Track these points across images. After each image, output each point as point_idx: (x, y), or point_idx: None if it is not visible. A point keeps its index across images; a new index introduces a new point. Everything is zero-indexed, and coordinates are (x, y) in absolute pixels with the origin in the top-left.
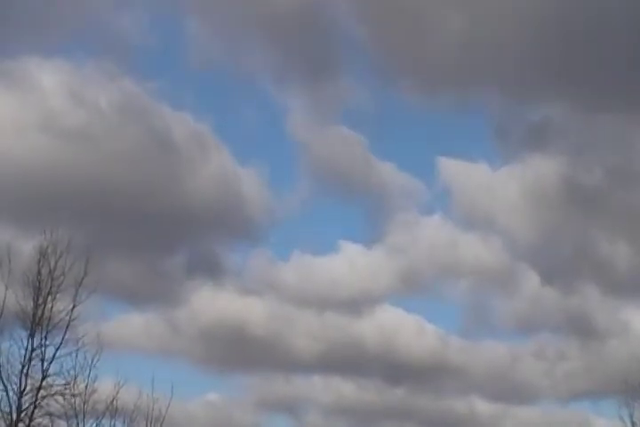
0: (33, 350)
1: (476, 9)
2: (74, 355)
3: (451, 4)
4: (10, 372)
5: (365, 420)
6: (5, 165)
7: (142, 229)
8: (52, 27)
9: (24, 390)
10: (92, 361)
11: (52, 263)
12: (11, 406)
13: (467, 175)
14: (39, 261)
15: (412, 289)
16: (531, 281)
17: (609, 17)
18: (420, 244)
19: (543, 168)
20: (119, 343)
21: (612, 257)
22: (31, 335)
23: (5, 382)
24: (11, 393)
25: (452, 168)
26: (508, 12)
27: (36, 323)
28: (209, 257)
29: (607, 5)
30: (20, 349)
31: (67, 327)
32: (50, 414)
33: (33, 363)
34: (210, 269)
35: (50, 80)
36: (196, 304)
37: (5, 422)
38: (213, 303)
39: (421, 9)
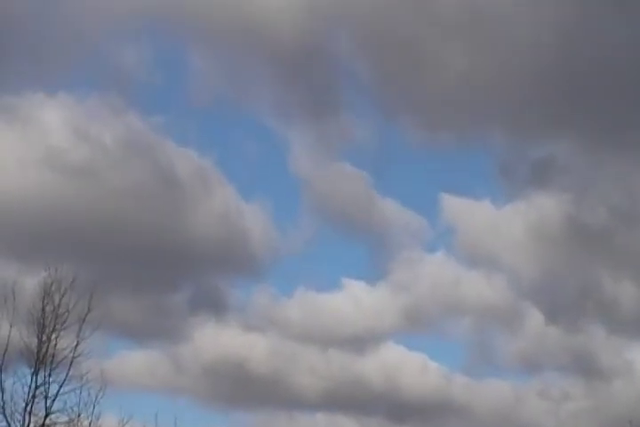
0: (37, 387)
1: (479, 48)
2: (77, 392)
3: (453, 43)
4: (13, 409)
5: None
6: (9, 201)
7: (146, 265)
8: (55, 62)
9: None
10: (96, 398)
11: (57, 300)
12: None
13: (470, 213)
14: (43, 298)
15: (416, 327)
16: (535, 319)
17: (613, 57)
18: (423, 281)
19: (547, 206)
20: (123, 380)
21: (617, 296)
22: (35, 373)
23: (9, 420)
24: None
25: (455, 205)
26: (511, 50)
27: (40, 360)
28: (212, 293)
29: (610, 45)
30: (23, 386)
31: (70, 364)
32: None
33: (36, 400)
34: (213, 306)
35: (53, 115)
36: (199, 341)
37: None
38: (216, 340)
39: (424, 47)
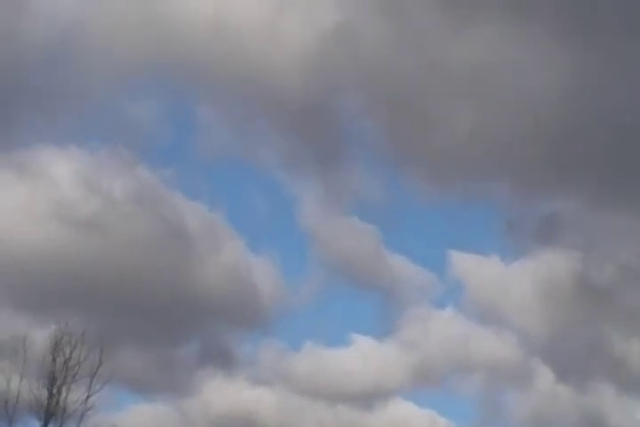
0: None
1: (486, 105)
2: None
3: (460, 100)
4: None
5: None
6: (20, 254)
7: (155, 319)
8: (65, 116)
9: None
10: None
11: (67, 353)
12: None
13: (479, 269)
14: (54, 351)
15: (425, 383)
16: (545, 377)
17: (619, 114)
18: (432, 337)
19: (555, 263)
20: None
21: (627, 355)
22: (45, 425)
23: None
24: None
25: (464, 261)
26: (518, 108)
27: (50, 413)
28: (220, 347)
29: (617, 103)
30: None
31: (81, 417)
32: None
33: None
34: (221, 359)
35: (63, 169)
36: (207, 394)
37: None
38: (225, 393)
39: (430, 103)
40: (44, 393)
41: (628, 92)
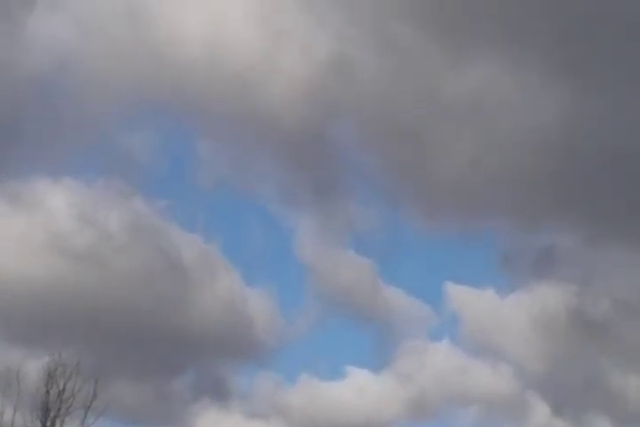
0: None
1: (481, 139)
2: None
3: (456, 134)
4: None
5: None
6: (14, 286)
7: (150, 350)
8: (62, 146)
9: None
10: None
11: (61, 385)
12: None
13: (475, 302)
14: (48, 383)
15: (421, 416)
16: (541, 411)
17: (614, 147)
18: (428, 370)
19: (551, 296)
20: None
21: (623, 389)
22: None
23: None
24: None
25: (460, 294)
26: (513, 141)
27: None
28: (216, 379)
29: (612, 135)
30: None
31: None
32: None
33: None
34: (216, 392)
35: (59, 200)
36: None
37: None
38: (219, 426)
39: (427, 136)
40: (38, 425)
41: (627, 125)
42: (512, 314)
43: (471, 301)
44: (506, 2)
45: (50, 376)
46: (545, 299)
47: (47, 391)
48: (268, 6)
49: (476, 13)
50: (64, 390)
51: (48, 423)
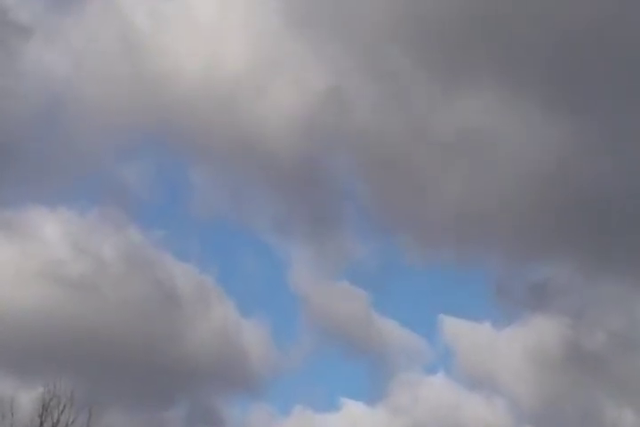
0: None
1: (477, 171)
2: None
3: (450, 165)
4: None
5: None
6: (7, 315)
7: (143, 381)
8: (57, 176)
9: None
10: None
11: (55, 416)
12: None
13: (470, 335)
14: (42, 415)
15: None
16: None
17: (607, 183)
18: (422, 403)
19: (546, 330)
20: None
21: (618, 422)
22: None
23: None
24: None
25: (455, 327)
26: (508, 172)
27: None
28: (210, 410)
29: (604, 172)
30: None
31: None
32: None
33: None
34: (210, 423)
35: (53, 229)
36: None
37: None
38: None
39: (421, 167)
40: None
41: (622, 159)
42: (507, 347)
43: (466, 333)
44: (502, 33)
45: (44, 408)
46: (540, 332)
47: (41, 423)
48: (263, 39)
49: (472, 45)
50: (58, 421)
51: None
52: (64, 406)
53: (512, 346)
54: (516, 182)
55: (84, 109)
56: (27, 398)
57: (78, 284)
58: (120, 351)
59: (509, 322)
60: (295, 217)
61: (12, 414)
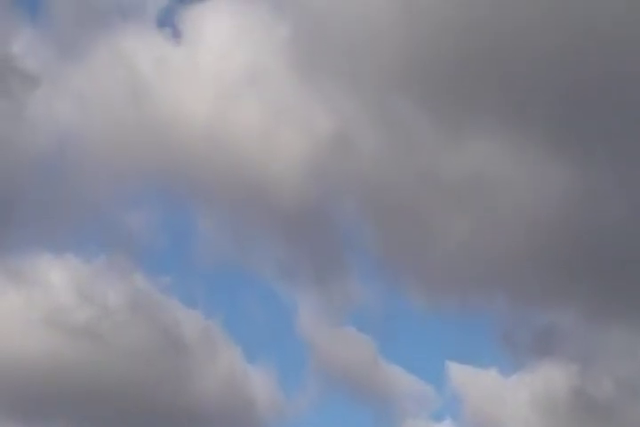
0: None
1: (481, 215)
2: None
3: (455, 210)
4: None
5: None
6: (12, 362)
7: None
8: (62, 223)
9: None
10: None
11: None
12: None
13: (477, 382)
14: None
15: None
16: None
17: (614, 227)
18: None
19: (553, 377)
20: None
21: None
22: None
23: None
24: None
25: (462, 374)
26: (514, 218)
27: None
28: None
29: (612, 215)
30: None
31: None
32: None
33: None
34: None
35: (59, 276)
36: None
37: None
38: None
39: (426, 212)
40: None
41: (629, 203)
42: (515, 394)
43: (473, 380)
44: (509, 78)
45: None
46: (547, 379)
47: None
48: (267, 84)
49: (478, 89)
50: None
51: None
52: None
53: (519, 393)
54: (523, 228)
55: (90, 156)
56: None
57: (83, 330)
58: (125, 398)
59: (516, 369)
60: (301, 262)
61: None
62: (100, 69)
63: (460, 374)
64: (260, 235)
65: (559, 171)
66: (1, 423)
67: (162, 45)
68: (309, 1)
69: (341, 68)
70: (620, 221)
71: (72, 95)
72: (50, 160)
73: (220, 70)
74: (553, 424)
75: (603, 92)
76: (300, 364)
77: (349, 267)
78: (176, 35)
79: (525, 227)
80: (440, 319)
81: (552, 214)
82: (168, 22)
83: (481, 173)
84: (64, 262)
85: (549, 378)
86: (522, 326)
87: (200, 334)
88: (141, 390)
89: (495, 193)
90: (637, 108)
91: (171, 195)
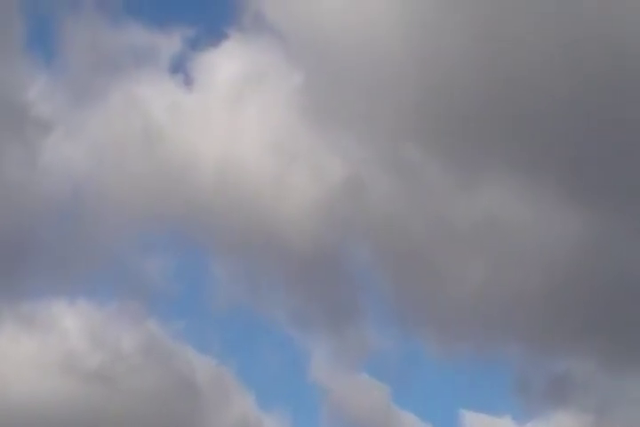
0: None
1: (496, 262)
2: None
3: (469, 257)
4: None
5: None
6: (25, 408)
7: None
8: (76, 269)
9: None
10: None
11: None
12: None
13: None
14: None
15: None
16: None
17: (632, 272)
18: None
19: (567, 426)
20: None
21: None
22: None
23: None
24: None
25: (475, 421)
26: (527, 263)
27: None
28: None
29: (630, 261)
30: None
31: None
32: None
33: None
34: None
35: (72, 321)
36: None
37: None
38: None
39: (440, 259)
40: None
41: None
42: None
43: None
44: (520, 123)
45: None
46: None
47: None
48: (279, 130)
49: (489, 135)
50: None
51: None
52: None
53: None
54: (537, 273)
55: (103, 202)
56: None
57: (96, 375)
58: None
59: (531, 417)
60: (314, 308)
61: None
62: (114, 115)
63: (474, 421)
64: (274, 280)
65: (573, 215)
66: None
67: (174, 91)
68: (322, 48)
69: (354, 113)
70: (636, 266)
71: (86, 141)
72: (63, 206)
73: (233, 116)
74: None
75: (617, 137)
76: (313, 410)
77: (363, 313)
78: (188, 81)
79: (539, 273)
80: (454, 366)
81: (566, 260)
82: (180, 68)
83: (494, 217)
84: (77, 308)
85: None
86: (537, 373)
87: (213, 379)
88: None
89: (508, 238)
90: None
91: (184, 240)
